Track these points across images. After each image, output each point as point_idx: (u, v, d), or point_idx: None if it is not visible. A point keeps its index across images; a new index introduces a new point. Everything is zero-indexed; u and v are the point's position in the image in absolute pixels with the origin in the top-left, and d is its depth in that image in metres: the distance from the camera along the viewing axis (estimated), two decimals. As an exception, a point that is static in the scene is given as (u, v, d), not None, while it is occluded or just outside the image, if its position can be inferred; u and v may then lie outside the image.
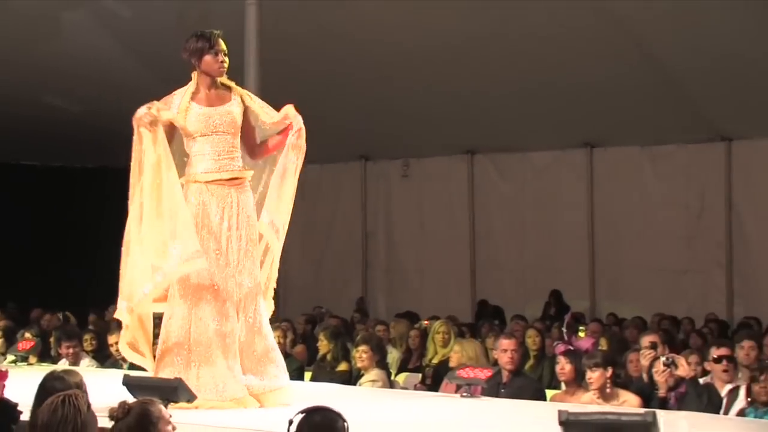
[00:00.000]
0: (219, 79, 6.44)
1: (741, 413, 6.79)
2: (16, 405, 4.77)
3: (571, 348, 7.49)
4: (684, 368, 7.07)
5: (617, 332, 11.11)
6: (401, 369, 10.16)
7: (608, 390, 6.97)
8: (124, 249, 6.38)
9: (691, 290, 13.98)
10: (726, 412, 6.98)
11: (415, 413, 6.46)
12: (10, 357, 9.22)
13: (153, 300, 6.46)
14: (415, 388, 9.03)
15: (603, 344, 9.07)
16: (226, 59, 6.40)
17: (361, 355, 8.57)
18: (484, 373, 6.86)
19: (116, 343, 9.28)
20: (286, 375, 6.56)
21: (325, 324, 11.56)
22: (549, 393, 7.79)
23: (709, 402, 6.94)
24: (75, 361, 9.42)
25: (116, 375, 6.58)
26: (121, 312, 6.48)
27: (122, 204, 6.52)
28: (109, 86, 13.56)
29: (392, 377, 9.34)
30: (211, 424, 5.73)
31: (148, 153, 6.28)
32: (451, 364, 8.51)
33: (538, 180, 15.24)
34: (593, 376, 6.96)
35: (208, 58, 6.34)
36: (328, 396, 6.32)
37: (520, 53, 12.52)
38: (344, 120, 14.38)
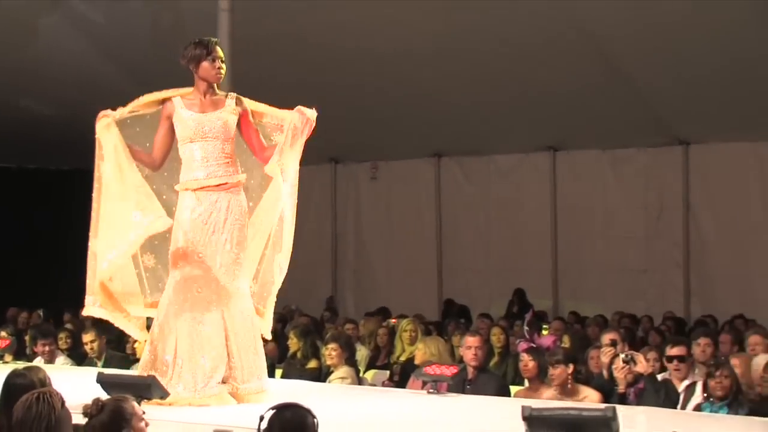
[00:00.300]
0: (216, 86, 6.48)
1: (697, 408, 6.90)
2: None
3: (534, 345, 7.48)
4: (642, 365, 7.15)
5: (579, 330, 11.14)
6: (370, 366, 10.19)
7: (570, 386, 7.05)
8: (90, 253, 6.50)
9: (650, 289, 14.08)
10: (683, 407, 7.08)
11: (383, 409, 6.48)
12: (-15, 355, 9.20)
13: (144, 306, 6.58)
14: (383, 384, 9.01)
15: (566, 342, 9.10)
16: (224, 66, 6.45)
17: (330, 352, 8.62)
18: (450, 370, 6.86)
19: (91, 341, 9.48)
20: (266, 373, 6.60)
21: (295, 322, 11.57)
22: (513, 389, 7.77)
23: (666, 397, 7.02)
24: (50, 359, 9.45)
25: (91, 373, 6.53)
26: (88, 308, 6.56)
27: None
28: (85, 89, 13.40)
29: (361, 374, 9.36)
30: (184, 421, 5.74)
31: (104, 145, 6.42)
32: (417, 361, 8.54)
33: (502, 182, 15.27)
34: (555, 372, 7.04)
35: (205, 64, 6.38)
36: (298, 393, 6.29)
37: (487, 60, 12.53)
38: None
